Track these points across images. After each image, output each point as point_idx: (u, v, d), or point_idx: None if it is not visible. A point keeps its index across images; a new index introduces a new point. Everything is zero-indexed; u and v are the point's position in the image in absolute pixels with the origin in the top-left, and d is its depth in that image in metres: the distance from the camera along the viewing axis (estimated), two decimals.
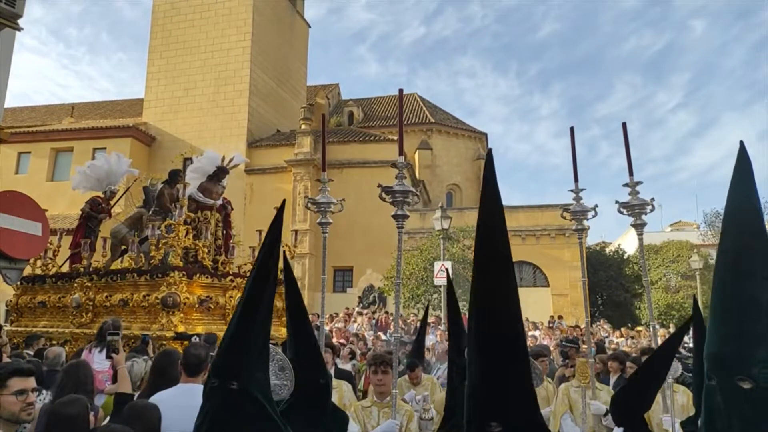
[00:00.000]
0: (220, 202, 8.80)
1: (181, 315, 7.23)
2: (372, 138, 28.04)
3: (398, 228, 3.08)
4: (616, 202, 3.60)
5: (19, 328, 8.65)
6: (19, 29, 5.66)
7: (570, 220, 3.71)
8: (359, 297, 24.22)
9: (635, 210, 3.51)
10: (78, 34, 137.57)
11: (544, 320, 19.17)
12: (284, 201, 2.18)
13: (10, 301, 9.18)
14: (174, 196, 8.75)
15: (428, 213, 24.39)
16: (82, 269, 8.61)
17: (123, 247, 9.03)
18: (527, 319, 18.64)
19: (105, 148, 25.89)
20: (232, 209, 9.47)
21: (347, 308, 19.53)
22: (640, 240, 3.66)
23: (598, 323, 21.37)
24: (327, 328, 12.99)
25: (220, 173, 8.81)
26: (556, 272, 25.62)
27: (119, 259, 9.16)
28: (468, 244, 20.91)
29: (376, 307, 21.74)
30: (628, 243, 34.43)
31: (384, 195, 3.01)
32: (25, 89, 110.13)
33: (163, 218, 8.48)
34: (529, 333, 15.81)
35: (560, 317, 20.67)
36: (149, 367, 4.10)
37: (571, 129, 3.71)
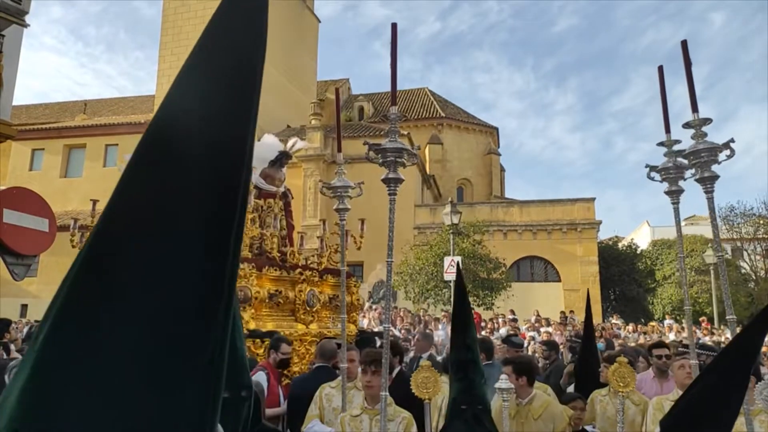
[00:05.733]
0: (282, 189, 8.35)
1: (252, 311, 6.62)
2: (382, 133, 27.89)
3: (390, 195, 2.58)
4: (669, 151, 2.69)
5: None
6: (26, 26, 5.66)
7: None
8: (369, 292, 24.22)
9: (703, 158, 2.53)
10: (96, 33, 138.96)
11: (555, 316, 19.00)
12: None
13: None
14: None
15: (438, 208, 24.28)
16: None
17: None
18: (537, 313, 18.50)
19: (117, 144, 26.14)
20: (293, 197, 8.93)
21: None
22: (710, 201, 2.64)
23: (609, 318, 21.21)
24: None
25: (283, 158, 8.30)
26: (567, 267, 25.45)
27: None
28: (478, 239, 20.80)
29: None
30: (640, 238, 34.09)
31: (372, 155, 2.57)
32: (44, 88, 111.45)
33: None
34: (542, 329, 15.70)
35: (571, 312, 20.50)
36: None
37: (660, 68, 2.93)
